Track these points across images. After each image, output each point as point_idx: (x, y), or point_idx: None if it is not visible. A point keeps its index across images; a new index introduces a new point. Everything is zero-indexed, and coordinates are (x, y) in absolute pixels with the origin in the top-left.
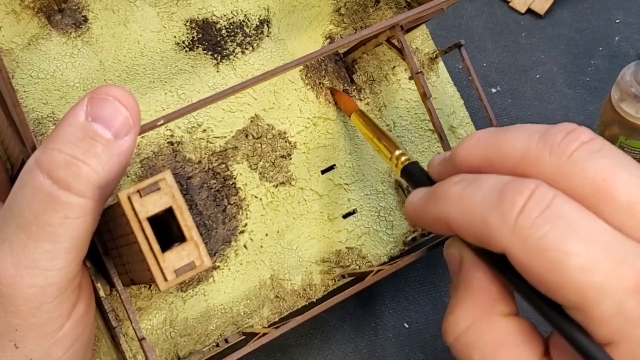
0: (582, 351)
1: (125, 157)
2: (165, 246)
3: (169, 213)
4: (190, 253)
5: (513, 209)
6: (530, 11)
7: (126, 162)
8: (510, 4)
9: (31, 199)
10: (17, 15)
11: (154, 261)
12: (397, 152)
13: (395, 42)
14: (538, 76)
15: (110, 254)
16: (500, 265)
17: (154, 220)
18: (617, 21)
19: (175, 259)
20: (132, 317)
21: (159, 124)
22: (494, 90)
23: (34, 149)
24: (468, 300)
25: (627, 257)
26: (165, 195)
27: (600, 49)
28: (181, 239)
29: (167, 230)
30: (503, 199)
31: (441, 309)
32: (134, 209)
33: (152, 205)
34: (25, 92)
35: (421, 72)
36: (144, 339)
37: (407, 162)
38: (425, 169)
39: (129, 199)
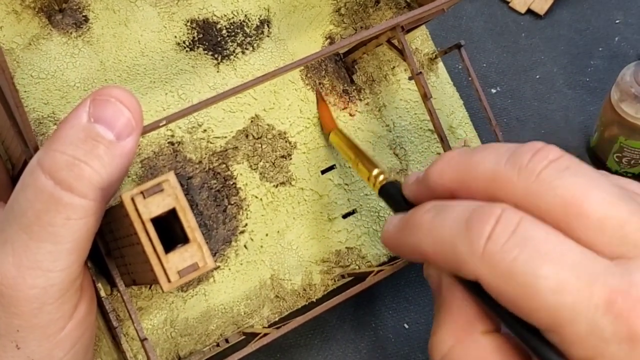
0: None
1: (127, 158)
2: (168, 247)
3: (171, 214)
4: (193, 254)
5: (480, 236)
6: (529, 11)
7: (128, 163)
8: (510, 4)
9: (33, 200)
10: (17, 14)
11: (157, 262)
12: (375, 172)
13: (395, 42)
14: (538, 76)
15: (112, 254)
16: (475, 290)
17: (156, 221)
18: (617, 21)
19: (178, 260)
20: (134, 317)
21: (161, 124)
22: (493, 91)
23: (36, 149)
24: (448, 321)
25: (597, 274)
26: (168, 197)
27: (600, 49)
28: (184, 239)
29: (169, 231)
30: (470, 227)
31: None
32: (137, 210)
33: (155, 207)
34: (25, 91)
35: (421, 72)
36: (145, 339)
37: (384, 182)
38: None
39: (132, 200)
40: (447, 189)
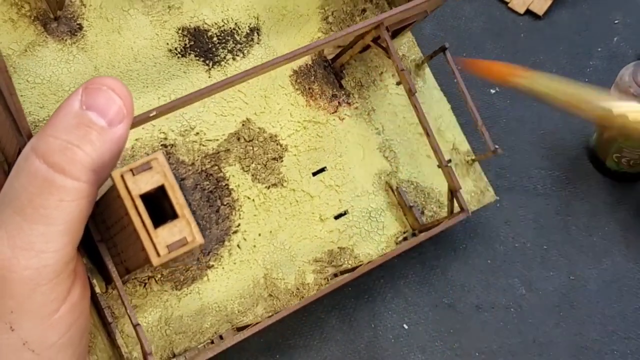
0: None
1: (118, 144)
2: (159, 225)
3: (161, 192)
4: (182, 229)
5: None
6: (528, 12)
7: (119, 149)
8: (509, 5)
9: (27, 183)
10: (14, 22)
11: (146, 236)
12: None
13: (382, 43)
14: None
15: (107, 244)
16: None
17: (147, 201)
18: (616, 22)
19: (167, 234)
20: (126, 303)
21: (152, 115)
22: (492, 91)
23: (29, 136)
24: None
25: None
26: (157, 174)
27: (599, 49)
28: (173, 216)
29: (160, 210)
30: None
31: (440, 309)
32: (126, 187)
33: (144, 183)
34: (22, 96)
35: (405, 69)
36: (138, 324)
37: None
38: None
39: (122, 177)
40: None
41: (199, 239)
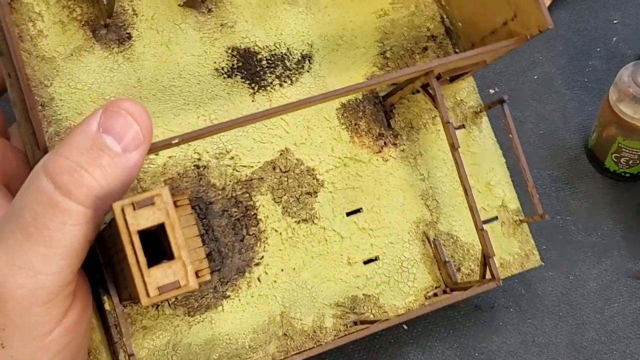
0: None
1: (131, 171)
2: (157, 262)
3: (162, 229)
4: (176, 271)
5: None
6: None
7: (131, 176)
8: None
9: (33, 201)
10: (63, 25)
11: (138, 274)
12: None
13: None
14: (536, 77)
15: (116, 268)
16: None
17: (149, 236)
18: (615, 22)
19: (161, 275)
20: (124, 330)
21: (173, 142)
22: (491, 91)
23: (45, 151)
24: None
25: None
26: (159, 211)
27: (598, 49)
28: (170, 257)
29: (159, 246)
30: None
31: (440, 310)
32: (125, 221)
33: (144, 219)
34: (61, 99)
35: (450, 122)
36: (132, 354)
37: None
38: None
39: (122, 210)
40: None
41: (193, 284)
